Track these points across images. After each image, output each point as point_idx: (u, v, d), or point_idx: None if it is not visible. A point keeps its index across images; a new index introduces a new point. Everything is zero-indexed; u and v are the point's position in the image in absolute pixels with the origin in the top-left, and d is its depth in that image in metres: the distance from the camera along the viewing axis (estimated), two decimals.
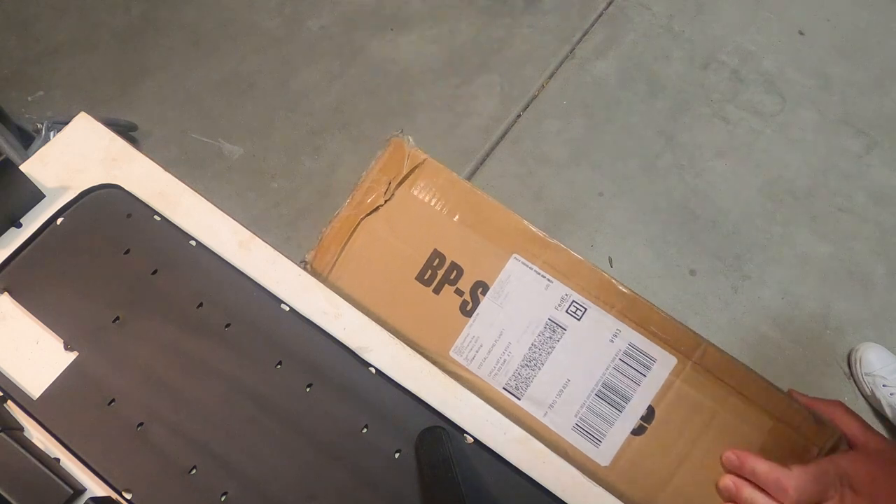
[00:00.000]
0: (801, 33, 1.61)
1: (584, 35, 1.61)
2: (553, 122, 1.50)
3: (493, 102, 1.53)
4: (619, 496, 0.43)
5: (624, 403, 0.45)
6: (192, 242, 0.49)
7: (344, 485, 0.42)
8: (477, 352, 0.47)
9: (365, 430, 0.44)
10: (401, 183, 0.49)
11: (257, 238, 0.51)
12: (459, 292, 0.48)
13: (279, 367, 0.45)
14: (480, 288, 0.47)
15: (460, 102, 1.54)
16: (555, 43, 1.60)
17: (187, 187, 0.52)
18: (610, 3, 1.65)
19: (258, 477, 0.42)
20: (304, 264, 0.51)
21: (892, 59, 1.56)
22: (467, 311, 0.47)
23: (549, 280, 0.47)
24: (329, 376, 0.45)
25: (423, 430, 0.43)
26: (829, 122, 1.50)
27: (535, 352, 0.46)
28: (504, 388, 0.47)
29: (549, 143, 1.48)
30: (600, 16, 1.64)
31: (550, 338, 0.46)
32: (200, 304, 0.47)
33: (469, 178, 1.42)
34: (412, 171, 0.49)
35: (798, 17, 1.62)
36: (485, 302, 0.47)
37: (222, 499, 0.42)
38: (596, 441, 0.45)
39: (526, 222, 0.48)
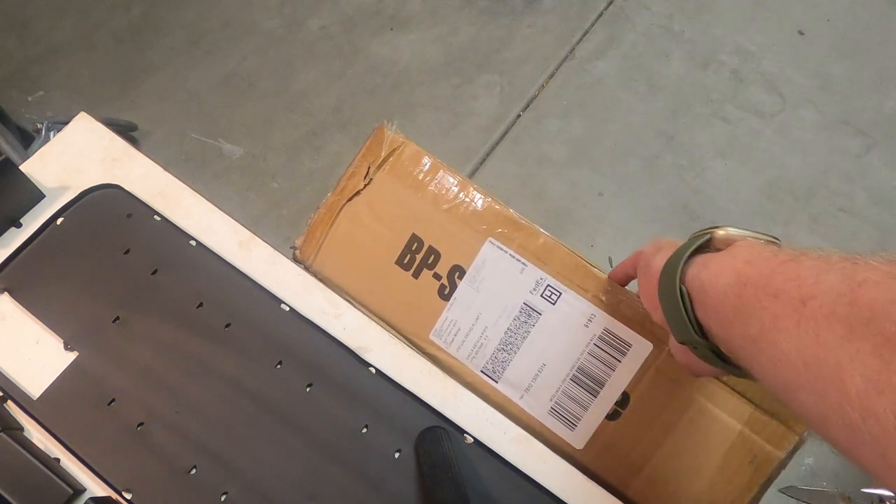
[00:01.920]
0: (801, 33, 1.60)
1: (584, 35, 1.61)
2: (553, 122, 1.50)
3: (493, 102, 1.53)
4: (593, 480, 0.43)
5: (599, 388, 0.45)
6: (192, 242, 0.49)
7: (344, 485, 0.42)
8: (455, 335, 0.47)
9: (365, 430, 0.44)
10: (380, 166, 0.49)
11: (257, 238, 0.51)
12: (437, 276, 0.48)
13: (279, 367, 0.45)
14: (458, 272, 0.48)
15: (460, 102, 1.53)
16: (555, 43, 1.60)
17: (187, 187, 0.52)
18: (610, 3, 1.65)
19: (258, 477, 0.42)
20: (292, 250, 0.51)
21: (892, 59, 1.56)
22: (445, 294, 0.48)
23: (523, 264, 0.47)
24: (329, 376, 0.45)
25: (423, 430, 0.43)
26: (829, 122, 1.49)
27: (511, 336, 0.46)
28: (482, 372, 0.47)
29: (549, 143, 1.48)
30: (600, 16, 1.64)
31: (526, 322, 0.46)
32: (200, 304, 0.47)
33: (469, 177, 1.42)
34: (391, 154, 0.49)
35: (798, 17, 1.62)
36: (462, 286, 0.47)
37: (222, 499, 0.42)
38: (571, 425, 0.45)
39: (501, 204, 0.48)
